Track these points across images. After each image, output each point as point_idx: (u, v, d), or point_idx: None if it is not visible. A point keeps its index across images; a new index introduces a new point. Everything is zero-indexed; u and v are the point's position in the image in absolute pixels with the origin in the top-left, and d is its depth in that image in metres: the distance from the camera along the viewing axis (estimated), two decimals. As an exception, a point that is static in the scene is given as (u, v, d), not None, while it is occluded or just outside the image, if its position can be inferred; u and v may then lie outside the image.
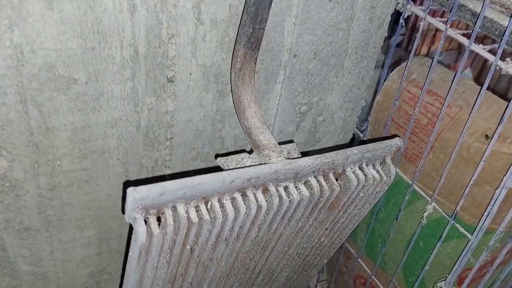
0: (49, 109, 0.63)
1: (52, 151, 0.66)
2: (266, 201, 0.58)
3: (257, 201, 0.57)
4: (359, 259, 1.05)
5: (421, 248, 0.89)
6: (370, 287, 1.05)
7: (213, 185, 0.53)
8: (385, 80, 0.87)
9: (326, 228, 0.73)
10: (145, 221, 0.52)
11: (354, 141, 0.99)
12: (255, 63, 0.63)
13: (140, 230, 0.51)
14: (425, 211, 0.84)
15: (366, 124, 0.93)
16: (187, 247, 0.57)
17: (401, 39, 1.45)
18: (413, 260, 0.92)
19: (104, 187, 0.75)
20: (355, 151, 0.62)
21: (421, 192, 0.85)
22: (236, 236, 0.61)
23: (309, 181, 0.61)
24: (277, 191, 0.58)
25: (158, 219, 0.54)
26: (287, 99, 0.79)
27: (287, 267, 0.80)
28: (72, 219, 0.77)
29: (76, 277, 0.87)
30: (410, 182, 0.86)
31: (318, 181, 0.61)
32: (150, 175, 0.78)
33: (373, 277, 1.02)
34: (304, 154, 0.92)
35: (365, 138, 0.95)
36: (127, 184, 0.74)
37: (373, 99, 0.92)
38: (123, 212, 0.52)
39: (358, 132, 0.96)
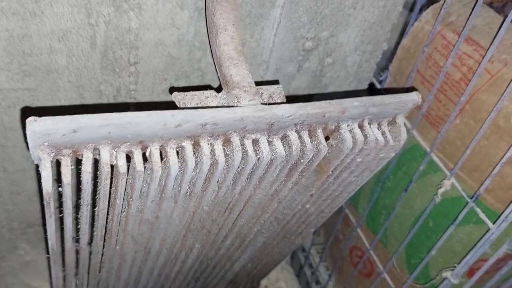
0: (-27, 7, 0.49)
1: (-17, 62, 0.54)
2: (226, 155, 0.44)
3: (212, 155, 0.43)
4: (358, 229, 0.92)
5: (429, 228, 0.75)
6: (367, 262, 0.92)
7: (151, 128, 0.40)
8: (415, 21, 0.70)
9: (311, 195, 0.59)
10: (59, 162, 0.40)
11: (366, 93, 0.83)
12: (237, -28, 0.47)
13: (44, 175, 0.38)
14: (440, 187, 0.69)
15: (385, 74, 0.77)
16: (117, 201, 0.45)
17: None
18: (418, 240, 0.78)
19: (54, 113, 0.63)
20: (356, 103, 0.47)
21: (440, 164, 0.69)
22: (187, 193, 0.48)
23: (288, 136, 0.46)
24: (242, 144, 0.45)
25: (77, 161, 0.41)
26: (288, 30, 0.64)
27: (263, 233, 0.68)
28: (18, 147, 0.65)
29: (28, 212, 0.77)
30: (428, 149, 0.71)
31: (300, 137, 0.47)
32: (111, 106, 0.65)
33: (371, 251, 0.89)
34: (302, 99, 0.77)
35: (382, 90, 0.79)
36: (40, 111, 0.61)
37: (397, 44, 0.74)
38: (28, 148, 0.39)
39: (376, 82, 0.79)
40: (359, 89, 0.79)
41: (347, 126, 0.49)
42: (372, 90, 0.82)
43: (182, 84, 0.65)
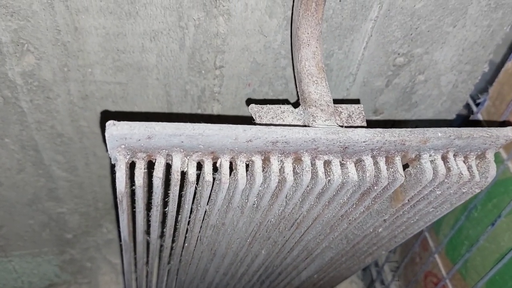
0: (77, 5, 0.52)
1: (83, 55, 0.57)
2: (295, 174, 0.44)
3: (280, 173, 0.43)
4: (436, 255, 0.87)
5: (516, 269, 0.69)
6: (442, 290, 0.87)
7: (222, 141, 0.40)
8: (524, 43, 0.64)
9: (384, 220, 0.56)
10: (134, 163, 0.42)
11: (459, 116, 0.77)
12: (328, -13, 0.46)
13: (118, 176, 0.40)
14: (532, 228, 0.63)
15: (484, 97, 0.71)
16: (186, 205, 0.46)
17: None
18: (502, 278, 0.72)
19: (142, 107, 0.66)
20: (440, 134, 0.44)
21: (535, 202, 0.63)
22: (254, 205, 0.48)
23: (362, 160, 0.45)
24: (313, 165, 0.43)
25: (151, 164, 0.43)
26: (379, 44, 0.61)
27: (331, 248, 0.66)
28: (107, 135, 0.69)
29: (113, 194, 0.82)
30: (523, 185, 0.65)
31: (376, 163, 0.45)
32: (196, 105, 0.66)
33: (447, 280, 0.84)
34: (386, 124, 0.73)
35: (478, 115, 0.73)
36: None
37: (501, 66, 0.68)
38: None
39: (472, 104, 0.74)
40: (453, 110, 0.74)
41: (429, 156, 0.46)
42: (468, 112, 0.76)
43: (265, 90, 0.65)
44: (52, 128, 0.67)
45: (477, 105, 0.73)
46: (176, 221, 0.52)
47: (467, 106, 0.74)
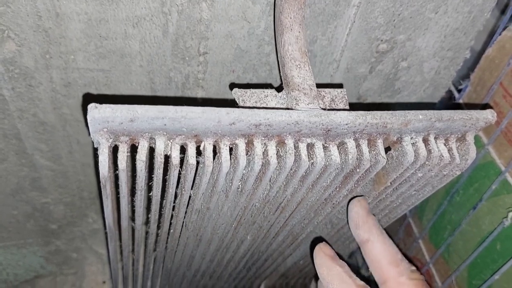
0: (58, -10, 0.52)
1: (65, 42, 0.57)
2: (279, 157, 0.44)
3: (264, 156, 0.43)
4: (420, 241, 0.88)
5: (496, 251, 0.71)
6: (426, 275, 0.88)
7: (205, 123, 0.40)
8: (504, 29, 0.64)
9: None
10: (117, 147, 0.42)
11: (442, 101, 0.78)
12: (310, -29, 0.46)
13: (101, 159, 0.40)
14: (511, 210, 0.64)
15: (466, 83, 0.72)
16: (170, 189, 0.46)
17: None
18: (483, 261, 0.74)
19: (118, 102, 0.65)
20: (420, 116, 0.45)
21: (515, 185, 0.64)
22: (238, 189, 0.48)
23: (345, 143, 0.45)
24: (296, 147, 0.44)
25: (134, 148, 0.43)
26: (362, 30, 0.61)
27: (316, 233, 0.67)
28: (91, 123, 0.69)
29: (98, 183, 0.81)
30: (502, 168, 0.66)
31: (358, 145, 0.45)
32: (180, 92, 0.66)
33: (431, 265, 0.85)
34: (368, 107, 0.74)
35: (460, 101, 0.74)
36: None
37: (482, 52, 0.69)
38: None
39: (454, 90, 0.75)
40: (435, 96, 0.75)
41: (410, 139, 0.47)
42: (450, 98, 0.77)
43: (249, 76, 0.65)
44: (35, 116, 0.66)
45: (459, 91, 0.74)
46: (161, 206, 0.52)
47: (449, 92, 0.75)
